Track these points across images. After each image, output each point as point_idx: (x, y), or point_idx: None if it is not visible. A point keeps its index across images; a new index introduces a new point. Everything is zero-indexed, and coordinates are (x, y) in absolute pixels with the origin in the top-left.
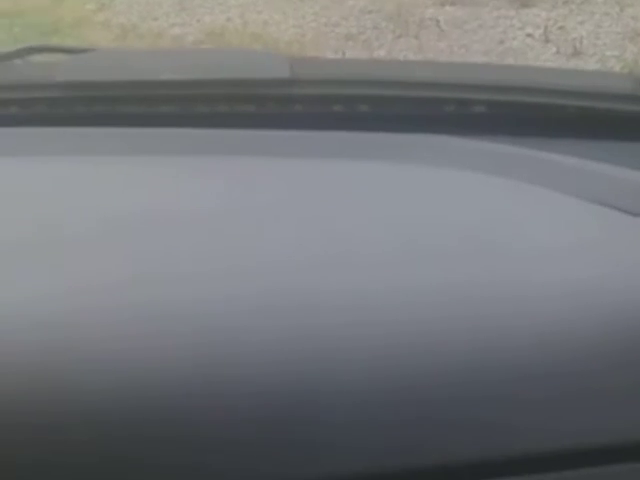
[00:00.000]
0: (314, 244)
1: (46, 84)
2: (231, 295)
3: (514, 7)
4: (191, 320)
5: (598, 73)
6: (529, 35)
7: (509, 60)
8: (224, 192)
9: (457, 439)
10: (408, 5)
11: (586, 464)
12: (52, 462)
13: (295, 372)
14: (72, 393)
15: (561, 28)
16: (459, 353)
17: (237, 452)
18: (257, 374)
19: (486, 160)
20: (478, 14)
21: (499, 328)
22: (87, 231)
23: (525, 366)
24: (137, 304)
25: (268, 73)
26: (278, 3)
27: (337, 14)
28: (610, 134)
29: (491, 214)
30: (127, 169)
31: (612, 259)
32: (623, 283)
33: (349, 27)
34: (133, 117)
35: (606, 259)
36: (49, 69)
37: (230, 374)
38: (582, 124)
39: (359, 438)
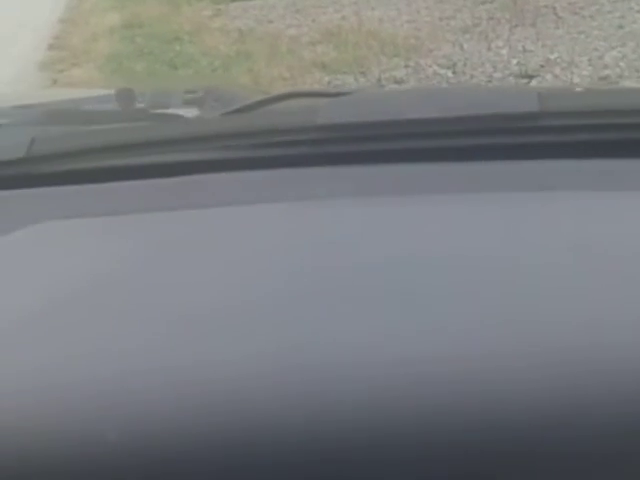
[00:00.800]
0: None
1: (306, 127)
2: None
3: None
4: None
5: None
6: None
7: (630, 44)
8: (507, 230)
9: None
10: None
11: None
12: None
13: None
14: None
15: None
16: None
17: None
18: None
19: None
20: None
21: None
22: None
23: None
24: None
25: (519, 107)
26: None
27: (451, 7)
28: None
29: None
30: (409, 208)
31: None
32: None
33: (464, 19)
34: (391, 154)
35: None
36: (307, 113)
37: None
38: None
39: None
